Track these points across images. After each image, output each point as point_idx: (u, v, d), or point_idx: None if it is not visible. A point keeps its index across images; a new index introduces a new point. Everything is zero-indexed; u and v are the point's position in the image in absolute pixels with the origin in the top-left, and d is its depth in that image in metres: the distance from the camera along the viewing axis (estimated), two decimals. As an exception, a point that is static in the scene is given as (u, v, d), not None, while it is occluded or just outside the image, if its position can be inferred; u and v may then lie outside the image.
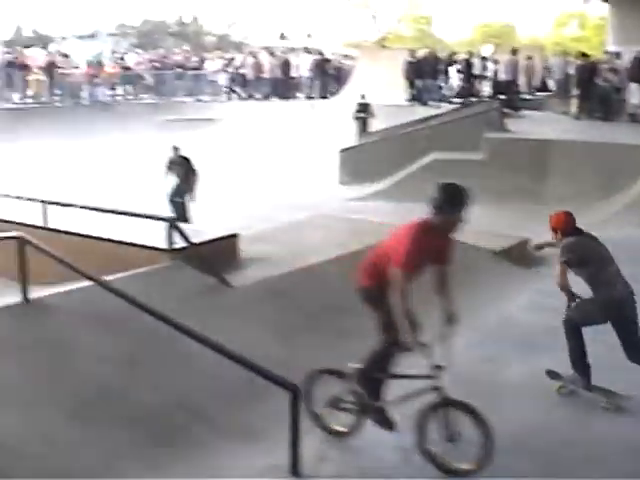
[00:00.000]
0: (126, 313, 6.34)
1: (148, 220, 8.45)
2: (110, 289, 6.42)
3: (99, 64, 27.68)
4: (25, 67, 25.45)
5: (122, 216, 8.84)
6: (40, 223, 9.27)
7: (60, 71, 25.86)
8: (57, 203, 9.43)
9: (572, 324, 6.21)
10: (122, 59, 29.51)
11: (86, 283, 6.84)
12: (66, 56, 28.05)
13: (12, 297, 6.95)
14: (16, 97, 25.04)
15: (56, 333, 6.54)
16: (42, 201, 9.44)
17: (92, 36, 72.18)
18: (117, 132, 23.78)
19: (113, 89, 27.84)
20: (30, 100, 25.20)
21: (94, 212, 9.26)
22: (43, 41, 58.92)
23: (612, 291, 6.10)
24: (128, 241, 8.59)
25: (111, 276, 7.19)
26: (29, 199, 9.69)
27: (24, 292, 6.90)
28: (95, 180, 18.16)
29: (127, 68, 28.41)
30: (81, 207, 9.32)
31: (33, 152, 21.44)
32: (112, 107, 26.31)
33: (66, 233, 9.06)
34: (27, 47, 28.77)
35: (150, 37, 63.51)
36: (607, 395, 6.15)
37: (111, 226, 9.06)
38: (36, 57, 27.67)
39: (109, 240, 8.74)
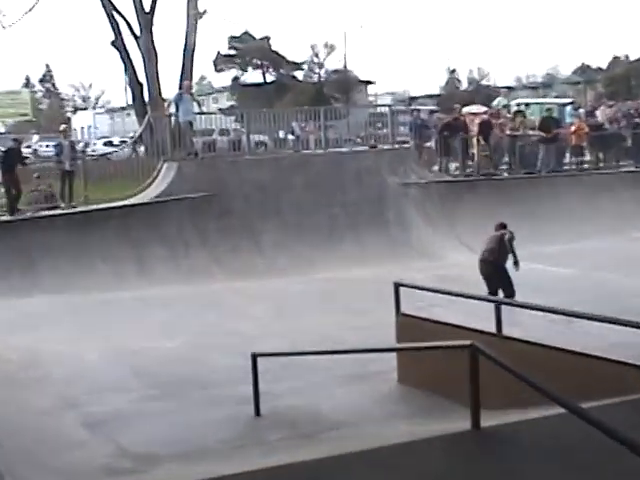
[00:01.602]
0: (603, 451, 6.43)
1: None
2: (585, 418, 6.53)
3: (557, 123, 28.24)
4: (465, 129, 26.68)
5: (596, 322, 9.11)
6: (492, 329, 9.74)
7: (508, 132, 26.74)
8: (511, 304, 9.90)
9: None
10: (591, 114, 29.82)
11: (554, 410, 7.02)
12: (517, 113, 29.06)
13: (460, 421, 7.48)
14: (453, 167, 26.47)
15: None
16: (495, 302, 9.90)
17: (547, 85, 74.34)
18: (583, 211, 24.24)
19: (580, 154, 27.98)
20: (469, 170, 26.40)
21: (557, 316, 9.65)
22: (482, 93, 61.97)
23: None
24: (610, 358, 8.70)
25: (586, 402, 7.25)
26: (479, 298, 10.27)
27: (475, 416, 7.29)
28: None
29: (598, 127, 28.30)
30: (538, 309, 9.74)
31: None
32: (576, 179, 26.33)
33: (526, 343, 9.42)
34: (466, 105, 30.24)
35: (623, 83, 63.37)
36: None
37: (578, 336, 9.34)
38: (477, 116, 29.08)
39: (585, 355, 8.88)
